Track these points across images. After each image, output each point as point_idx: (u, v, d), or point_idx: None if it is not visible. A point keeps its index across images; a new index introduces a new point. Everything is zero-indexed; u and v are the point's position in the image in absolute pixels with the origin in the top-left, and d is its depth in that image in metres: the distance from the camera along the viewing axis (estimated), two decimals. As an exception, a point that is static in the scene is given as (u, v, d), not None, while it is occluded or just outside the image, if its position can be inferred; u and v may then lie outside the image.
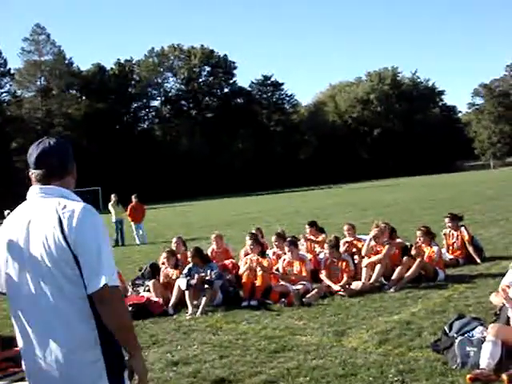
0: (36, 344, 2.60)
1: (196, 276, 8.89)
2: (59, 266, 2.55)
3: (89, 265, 2.54)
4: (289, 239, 9.97)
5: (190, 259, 9.32)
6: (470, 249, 10.58)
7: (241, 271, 9.42)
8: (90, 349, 2.58)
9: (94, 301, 2.56)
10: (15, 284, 2.65)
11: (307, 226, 11.75)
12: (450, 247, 10.92)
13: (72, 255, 2.54)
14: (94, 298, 2.55)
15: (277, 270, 9.56)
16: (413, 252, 9.72)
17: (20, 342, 2.70)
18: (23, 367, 2.74)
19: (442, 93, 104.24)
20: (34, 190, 2.73)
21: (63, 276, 2.55)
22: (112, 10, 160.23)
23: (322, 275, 9.40)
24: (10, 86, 79.45)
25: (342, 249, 10.14)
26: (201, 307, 8.52)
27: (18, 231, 2.66)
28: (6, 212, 17.15)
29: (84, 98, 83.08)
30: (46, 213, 2.62)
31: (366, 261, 9.59)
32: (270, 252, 10.58)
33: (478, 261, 10.43)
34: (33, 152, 2.75)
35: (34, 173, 2.73)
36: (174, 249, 10.52)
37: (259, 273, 9.08)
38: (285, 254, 9.66)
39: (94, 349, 2.59)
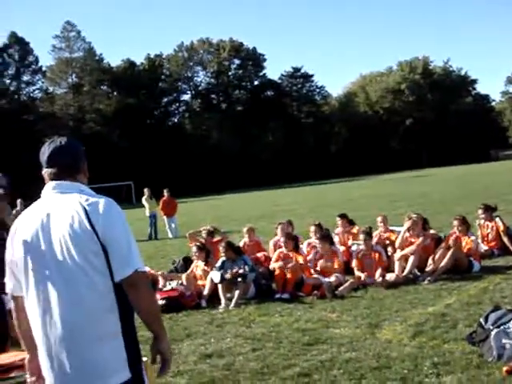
0: (61, 336, 2.59)
1: (229, 271, 8.91)
2: (88, 258, 2.57)
3: (119, 255, 2.59)
4: (321, 233, 9.98)
5: (222, 253, 9.34)
6: (505, 239, 10.41)
7: (272, 265, 9.40)
8: (114, 339, 2.62)
9: (123, 287, 2.60)
10: (37, 280, 2.63)
11: (338, 218, 11.69)
12: (485, 238, 10.76)
13: (101, 246, 2.57)
14: (124, 284, 2.59)
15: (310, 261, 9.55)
16: (450, 242, 9.60)
17: (40, 338, 2.66)
18: (41, 363, 2.70)
19: (474, 81, 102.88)
20: (51, 186, 2.76)
21: (92, 268, 2.57)
22: (141, 5, 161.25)
23: (354, 266, 9.37)
24: (42, 83, 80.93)
25: (374, 240, 10.09)
26: (234, 300, 8.55)
27: (36, 228, 2.65)
28: (18, 201, 17.26)
29: (115, 93, 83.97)
30: (68, 207, 2.64)
31: (399, 253, 9.52)
32: (305, 243, 10.67)
33: None
34: (45, 151, 2.79)
35: (46, 171, 2.77)
36: (204, 241, 10.66)
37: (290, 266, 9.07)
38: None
39: (117, 339, 2.63)
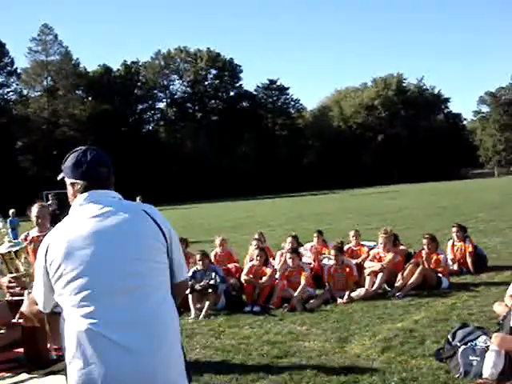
0: (127, 340, 2.38)
1: (202, 282, 8.88)
2: (159, 259, 2.54)
3: (178, 257, 2.66)
4: (293, 247, 10.06)
5: (198, 262, 9.28)
6: (469, 261, 10.54)
7: (243, 277, 9.38)
8: (179, 343, 2.58)
9: (175, 289, 2.63)
10: (98, 284, 2.42)
11: (315, 234, 11.74)
12: (455, 257, 10.87)
13: (167, 247, 2.58)
14: (178, 287, 2.68)
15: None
16: (419, 259, 9.71)
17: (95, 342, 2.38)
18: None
19: (447, 100, 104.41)
20: (101, 195, 2.63)
21: (161, 268, 2.55)
22: (119, 11, 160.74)
23: (325, 281, 9.42)
24: (17, 85, 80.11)
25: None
26: (204, 311, 8.53)
27: (99, 235, 2.48)
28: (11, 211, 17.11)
29: (90, 98, 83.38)
30: (128, 210, 2.59)
31: (368, 266, 9.59)
32: (278, 253, 10.90)
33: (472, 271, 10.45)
34: (79, 162, 2.65)
35: (78, 183, 2.64)
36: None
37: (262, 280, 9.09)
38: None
39: (179, 343, 2.59)
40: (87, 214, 2.54)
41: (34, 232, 6.56)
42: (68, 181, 2.69)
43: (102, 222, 2.51)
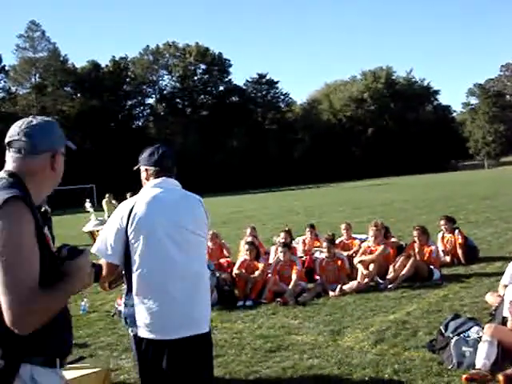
0: (181, 300, 3.34)
1: None
2: (203, 239, 3.57)
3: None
4: (284, 242, 10.04)
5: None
6: (460, 252, 10.55)
7: (235, 272, 9.35)
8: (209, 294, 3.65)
9: None
10: (158, 251, 3.35)
11: (308, 228, 11.76)
12: (446, 249, 10.90)
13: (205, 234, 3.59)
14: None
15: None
16: (411, 252, 9.73)
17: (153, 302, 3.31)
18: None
19: (436, 92, 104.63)
20: (168, 180, 3.60)
21: (203, 241, 3.57)
22: (107, 7, 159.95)
23: (317, 274, 9.42)
24: (5, 82, 79.28)
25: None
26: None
27: (165, 207, 3.45)
28: None
29: (78, 95, 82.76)
30: (188, 196, 3.63)
31: (358, 259, 9.62)
32: (272, 248, 10.82)
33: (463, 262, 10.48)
34: (153, 153, 3.63)
35: (151, 169, 3.58)
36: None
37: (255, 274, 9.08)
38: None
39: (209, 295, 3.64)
40: (158, 190, 3.51)
41: None
42: (143, 167, 3.66)
43: (168, 195, 3.51)
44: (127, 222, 3.34)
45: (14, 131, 2.46)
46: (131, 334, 3.46)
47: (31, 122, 2.48)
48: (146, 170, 3.62)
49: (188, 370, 3.35)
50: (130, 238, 3.32)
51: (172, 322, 3.32)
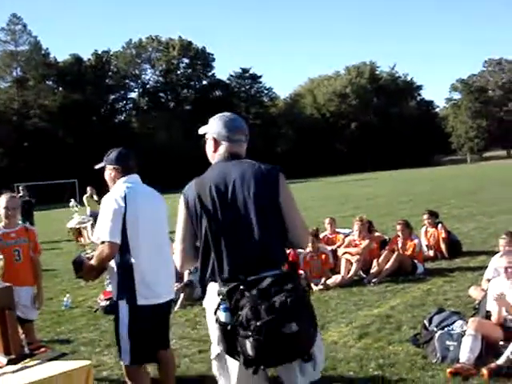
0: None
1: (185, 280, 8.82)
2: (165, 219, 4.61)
3: None
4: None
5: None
6: (443, 246, 10.61)
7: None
8: None
9: None
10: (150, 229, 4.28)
11: None
12: (429, 243, 10.94)
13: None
14: None
15: None
16: (395, 246, 9.75)
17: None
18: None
19: (419, 87, 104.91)
20: (135, 177, 4.63)
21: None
22: (90, 0, 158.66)
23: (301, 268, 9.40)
24: (-14, 76, 78.40)
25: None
26: (179, 301, 8.45)
27: (147, 197, 4.52)
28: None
29: (60, 89, 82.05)
30: (152, 189, 4.71)
31: (342, 250, 9.64)
32: None
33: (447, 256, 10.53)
34: (119, 154, 4.61)
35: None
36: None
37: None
38: None
39: None
40: (134, 184, 4.44)
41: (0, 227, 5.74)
42: (111, 166, 4.41)
43: (144, 188, 4.60)
44: (125, 208, 4.16)
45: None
46: (125, 307, 4.23)
47: None
48: (115, 168, 4.41)
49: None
50: (128, 219, 4.16)
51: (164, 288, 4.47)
